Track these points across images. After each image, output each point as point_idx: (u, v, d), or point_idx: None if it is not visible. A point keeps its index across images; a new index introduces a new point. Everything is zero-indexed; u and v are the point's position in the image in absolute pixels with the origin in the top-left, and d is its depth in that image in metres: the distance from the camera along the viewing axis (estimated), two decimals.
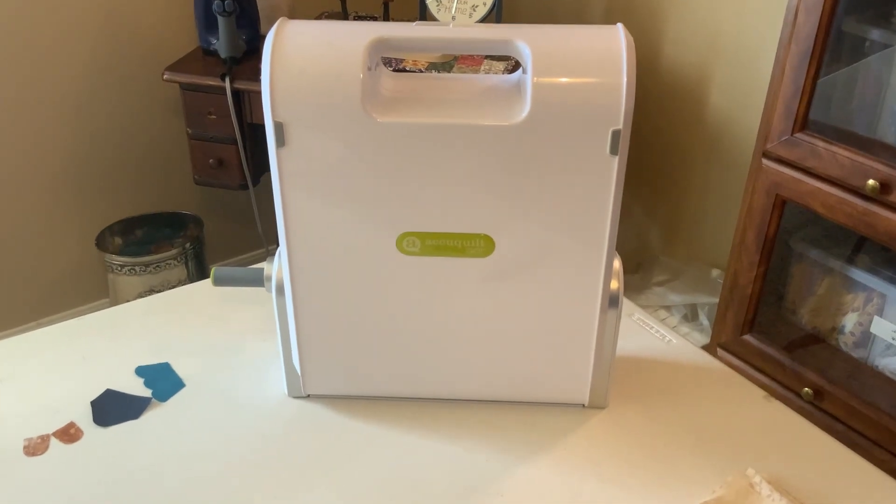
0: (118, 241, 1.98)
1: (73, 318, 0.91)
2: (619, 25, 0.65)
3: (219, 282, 0.81)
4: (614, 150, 0.64)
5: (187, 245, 1.92)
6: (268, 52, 0.64)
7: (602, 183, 0.66)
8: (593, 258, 0.69)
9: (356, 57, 0.63)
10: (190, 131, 1.76)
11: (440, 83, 0.71)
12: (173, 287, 0.97)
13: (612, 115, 0.63)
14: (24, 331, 0.89)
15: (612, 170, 0.65)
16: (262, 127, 1.76)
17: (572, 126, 0.63)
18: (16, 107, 1.81)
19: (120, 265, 1.86)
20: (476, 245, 0.69)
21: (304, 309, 0.73)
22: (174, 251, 1.89)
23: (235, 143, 1.73)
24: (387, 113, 0.64)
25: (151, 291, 1.86)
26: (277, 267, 0.73)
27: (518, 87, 0.67)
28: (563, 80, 0.63)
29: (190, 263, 1.92)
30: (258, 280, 0.79)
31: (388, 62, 1.63)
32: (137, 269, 1.86)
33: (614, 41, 0.64)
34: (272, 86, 0.63)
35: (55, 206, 1.95)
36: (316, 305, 0.73)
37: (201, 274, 1.97)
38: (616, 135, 0.63)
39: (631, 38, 0.64)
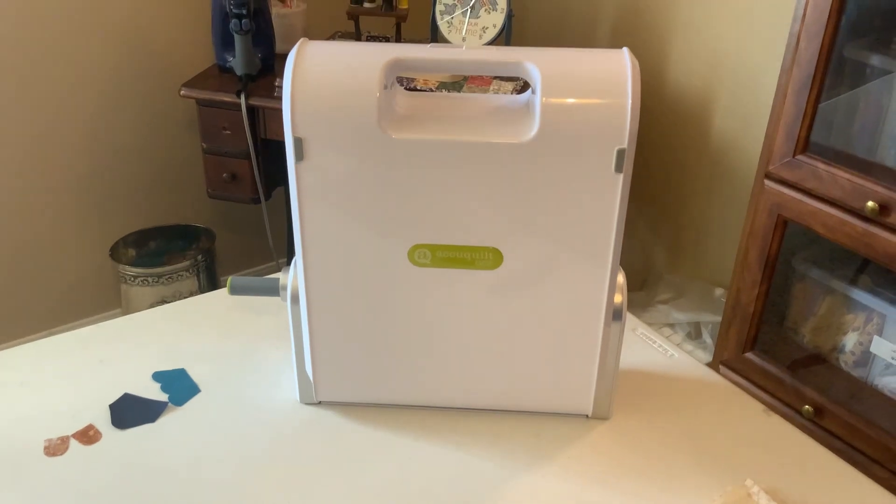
0: (132, 252, 2.01)
1: (85, 327, 0.93)
2: (625, 49, 0.68)
3: (235, 291, 0.83)
4: (619, 168, 0.67)
5: (199, 257, 1.95)
6: (289, 70, 0.67)
7: (607, 199, 0.68)
8: (598, 272, 0.72)
9: (373, 76, 0.66)
10: (205, 146, 1.79)
11: (452, 102, 0.73)
12: (184, 298, 1.00)
13: (617, 134, 0.65)
14: (37, 339, 0.92)
15: (617, 187, 0.68)
16: (274, 143, 1.79)
17: (579, 145, 0.66)
18: (37, 120, 1.85)
19: (133, 276, 1.89)
20: (485, 258, 0.72)
21: (317, 317, 0.76)
22: (186, 263, 1.92)
23: (249, 158, 1.76)
24: (401, 130, 0.67)
25: (163, 302, 1.88)
26: (293, 276, 0.76)
27: (527, 107, 0.70)
28: (571, 100, 0.66)
29: (201, 275, 1.95)
30: (273, 290, 0.81)
31: (399, 81, 1.66)
32: (150, 279, 1.89)
33: (620, 64, 0.67)
34: (293, 103, 0.66)
35: (71, 216, 1.98)
36: (329, 314, 0.75)
37: (212, 286, 1.99)
38: (621, 154, 0.66)
39: (636, 62, 0.67)
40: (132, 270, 1.90)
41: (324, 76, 0.67)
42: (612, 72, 0.66)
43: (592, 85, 0.66)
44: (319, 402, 0.82)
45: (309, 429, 0.79)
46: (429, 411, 0.81)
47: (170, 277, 1.90)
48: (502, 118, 0.70)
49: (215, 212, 2.17)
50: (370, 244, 0.71)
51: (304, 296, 0.75)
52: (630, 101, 0.65)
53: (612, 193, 0.68)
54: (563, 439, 0.78)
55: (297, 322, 0.78)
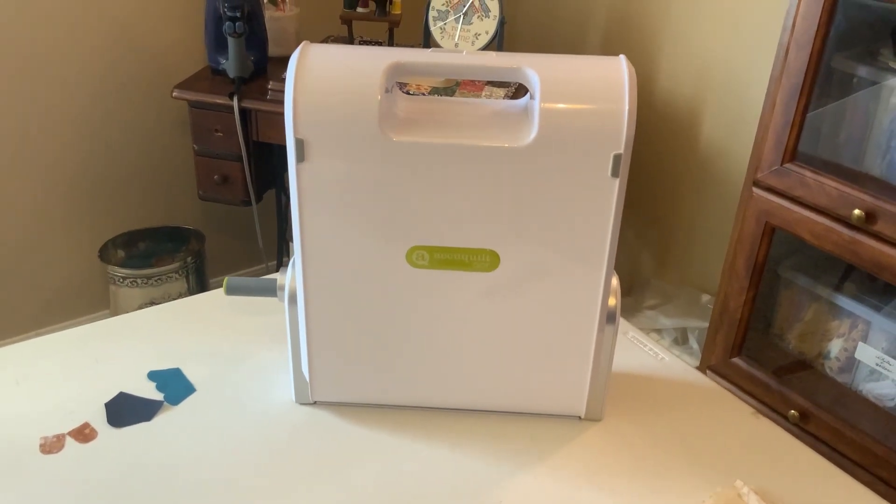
0: (121, 253, 2.00)
1: (73, 328, 0.93)
2: (622, 56, 0.69)
3: (231, 291, 0.84)
4: (615, 173, 0.68)
5: (189, 259, 1.95)
6: (291, 72, 0.68)
7: (603, 204, 0.69)
8: (593, 275, 0.73)
9: (374, 80, 0.67)
10: (196, 148, 1.79)
11: (452, 106, 0.74)
12: (173, 300, 1.00)
13: (614, 139, 0.67)
14: (26, 339, 0.91)
15: (613, 192, 0.69)
16: (266, 145, 1.80)
17: (576, 149, 0.67)
18: (28, 120, 1.84)
19: (122, 277, 1.89)
20: (482, 260, 0.72)
21: (315, 318, 0.76)
22: (175, 265, 1.92)
23: (240, 160, 1.77)
24: (402, 133, 0.68)
25: (152, 304, 1.88)
26: (291, 276, 0.77)
27: (526, 112, 0.71)
28: (569, 106, 0.67)
29: (191, 277, 1.95)
30: (270, 290, 0.82)
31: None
32: (139, 281, 1.88)
33: (617, 71, 0.68)
34: (295, 104, 0.67)
35: (61, 217, 1.98)
36: (327, 314, 0.76)
37: (201, 288, 1.99)
38: (617, 159, 0.67)
39: (633, 69, 0.68)
40: (121, 272, 1.89)
41: (326, 78, 0.67)
42: (610, 78, 0.67)
43: (590, 91, 0.67)
44: (315, 403, 0.82)
45: (304, 429, 0.80)
46: (424, 412, 0.82)
47: (159, 279, 1.89)
48: (501, 122, 0.71)
49: (205, 214, 2.17)
50: (369, 245, 0.72)
51: (302, 296, 0.75)
52: (627, 108, 0.66)
53: (608, 198, 0.69)
54: (555, 440, 0.79)
55: (294, 322, 0.78)
